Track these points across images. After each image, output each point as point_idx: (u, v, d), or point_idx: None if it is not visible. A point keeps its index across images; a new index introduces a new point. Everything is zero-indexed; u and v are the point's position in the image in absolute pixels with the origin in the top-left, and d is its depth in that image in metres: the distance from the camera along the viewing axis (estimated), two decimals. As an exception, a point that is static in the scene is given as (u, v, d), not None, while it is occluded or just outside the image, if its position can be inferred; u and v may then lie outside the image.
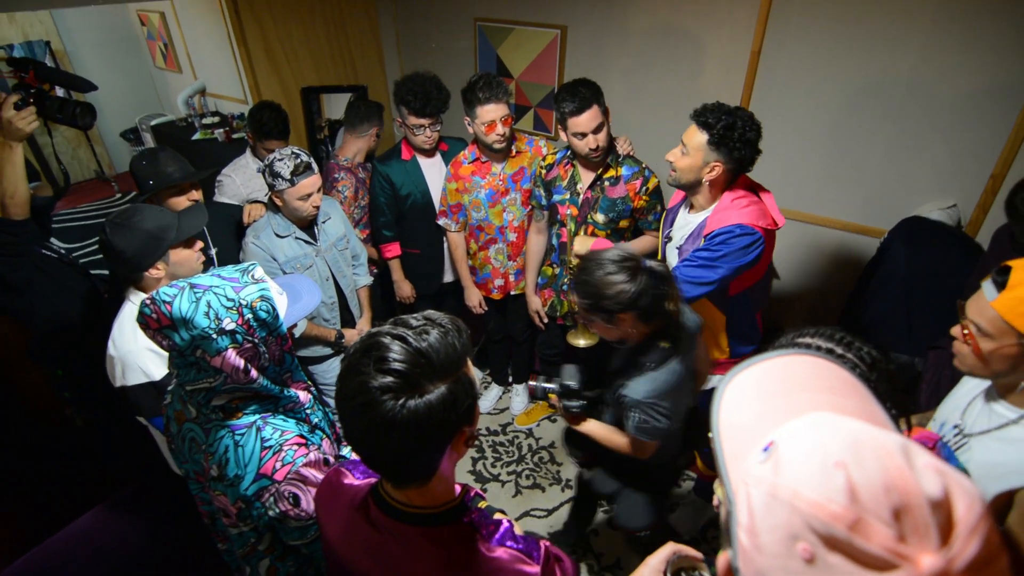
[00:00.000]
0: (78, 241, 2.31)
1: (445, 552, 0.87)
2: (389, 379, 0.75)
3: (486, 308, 2.70)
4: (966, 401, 1.19)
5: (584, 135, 2.00)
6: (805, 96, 2.37)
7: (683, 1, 2.51)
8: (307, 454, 1.17)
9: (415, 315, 0.85)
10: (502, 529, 0.92)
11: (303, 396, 1.28)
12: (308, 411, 1.29)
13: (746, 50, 2.41)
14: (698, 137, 1.65)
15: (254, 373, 1.14)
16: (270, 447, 1.15)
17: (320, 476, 1.14)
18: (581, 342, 2.25)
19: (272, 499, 1.14)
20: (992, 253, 1.87)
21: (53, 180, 3.89)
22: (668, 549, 0.85)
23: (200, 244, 1.70)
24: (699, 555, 0.85)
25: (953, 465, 0.89)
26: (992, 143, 2.07)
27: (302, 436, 1.20)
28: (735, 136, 1.61)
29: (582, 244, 1.90)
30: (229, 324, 1.08)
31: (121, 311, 1.61)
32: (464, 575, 0.87)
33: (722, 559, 0.52)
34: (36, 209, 1.76)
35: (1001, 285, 0.99)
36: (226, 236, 2.22)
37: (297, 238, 2.11)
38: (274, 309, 1.15)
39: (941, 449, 0.91)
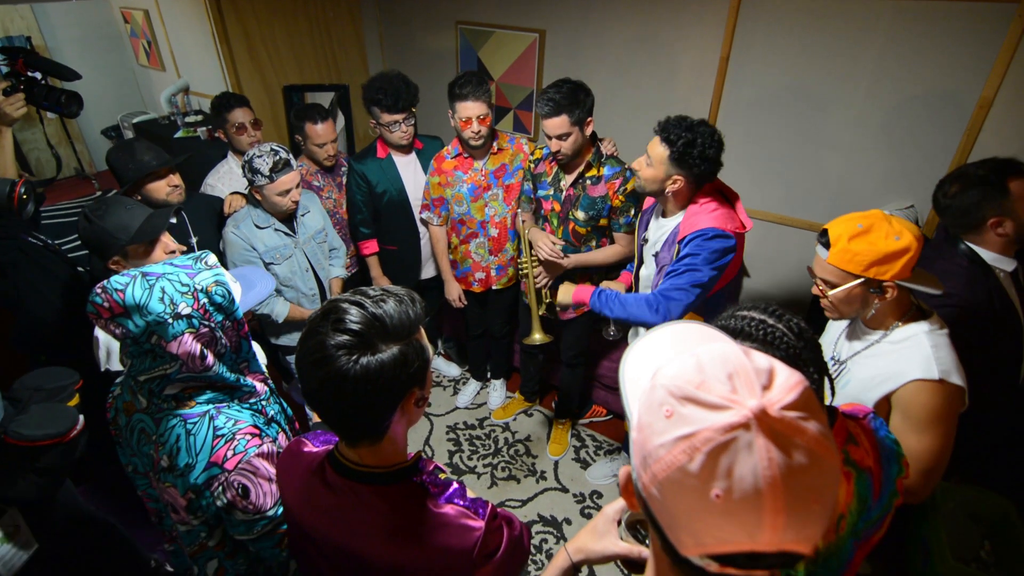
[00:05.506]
0: (56, 238, 2.32)
1: (393, 508, 0.92)
2: (345, 338, 0.82)
3: (466, 302, 2.75)
4: (835, 338, 1.49)
5: (551, 137, 2.08)
6: (771, 100, 2.46)
7: (656, 9, 2.60)
8: (260, 444, 1.14)
9: (374, 287, 0.91)
10: (451, 489, 0.97)
11: (259, 387, 1.26)
12: (264, 403, 1.27)
13: (715, 56, 2.51)
14: (660, 150, 1.68)
15: (211, 360, 1.12)
16: (222, 435, 1.12)
17: (273, 469, 1.13)
18: (536, 337, 2.31)
19: (221, 488, 1.11)
20: (932, 244, 1.97)
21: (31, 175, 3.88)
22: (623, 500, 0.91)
23: (171, 247, 1.66)
24: None
25: (882, 435, 0.97)
26: (946, 146, 2.17)
27: (256, 427, 1.18)
28: (694, 154, 1.63)
29: (565, 293, 1.95)
30: (185, 308, 1.07)
31: None
32: (411, 529, 0.91)
33: (623, 471, 0.61)
34: None
35: (827, 244, 1.26)
36: (207, 227, 2.24)
37: (276, 230, 2.15)
38: (229, 293, 1.14)
39: (872, 420, 0.98)
